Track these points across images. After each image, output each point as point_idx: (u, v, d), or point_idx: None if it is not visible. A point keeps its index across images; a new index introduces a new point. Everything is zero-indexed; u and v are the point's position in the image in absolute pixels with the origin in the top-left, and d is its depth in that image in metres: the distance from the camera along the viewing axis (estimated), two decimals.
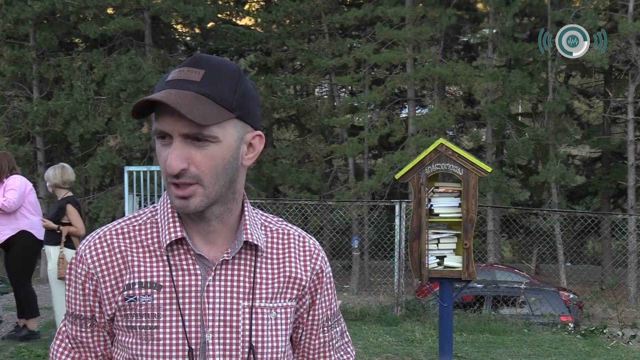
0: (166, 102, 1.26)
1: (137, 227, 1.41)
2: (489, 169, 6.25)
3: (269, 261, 1.43)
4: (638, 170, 20.34)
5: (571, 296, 13.14)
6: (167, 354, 1.33)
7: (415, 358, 6.79)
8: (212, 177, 1.32)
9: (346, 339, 1.59)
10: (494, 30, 21.17)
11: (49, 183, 6.64)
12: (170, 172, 1.29)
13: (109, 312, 1.38)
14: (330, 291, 1.52)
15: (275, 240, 1.45)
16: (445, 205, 6.15)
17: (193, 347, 1.34)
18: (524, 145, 20.53)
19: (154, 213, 1.43)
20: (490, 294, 11.44)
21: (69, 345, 1.44)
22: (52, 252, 6.52)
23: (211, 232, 1.38)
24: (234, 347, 1.36)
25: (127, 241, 1.39)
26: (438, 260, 6.16)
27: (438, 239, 6.16)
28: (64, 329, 1.46)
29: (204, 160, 1.31)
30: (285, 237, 1.47)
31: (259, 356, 1.37)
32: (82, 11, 20.29)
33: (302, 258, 1.46)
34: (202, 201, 1.32)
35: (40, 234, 6.64)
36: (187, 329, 1.34)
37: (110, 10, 21.41)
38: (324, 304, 1.50)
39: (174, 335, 1.34)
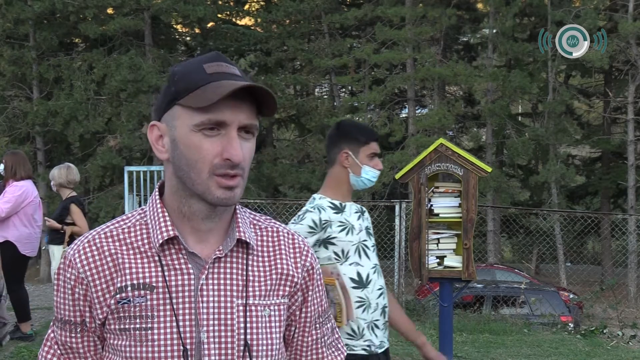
0: (267, 89, 1.28)
1: (126, 230, 1.39)
2: (489, 169, 6.23)
3: (260, 259, 1.42)
4: (638, 170, 20.33)
5: (571, 296, 13.14)
6: (162, 354, 1.32)
7: (415, 358, 6.78)
8: (248, 170, 1.34)
9: (336, 335, 1.59)
10: (494, 30, 21.16)
11: (54, 182, 6.63)
12: (237, 160, 1.29)
13: (100, 317, 1.36)
14: (320, 287, 1.51)
15: (265, 237, 1.45)
16: (445, 205, 6.14)
17: (188, 347, 1.32)
18: (524, 145, 20.52)
19: (142, 215, 1.41)
20: (490, 294, 11.44)
21: (58, 351, 1.42)
22: (55, 252, 6.51)
23: (209, 230, 1.37)
24: (229, 345, 1.35)
25: (117, 244, 1.37)
26: (438, 260, 6.15)
27: (438, 239, 6.15)
28: (52, 335, 1.43)
29: (248, 153, 1.33)
30: (275, 234, 1.46)
31: (254, 354, 1.36)
32: (82, 11, 20.27)
33: (292, 255, 1.45)
34: (241, 193, 1.34)
35: (24, 248, 6.47)
36: (181, 329, 1.33)
37: (110, 10, 21.40)
38: (315, 301, 1.50)
39: (168, 336, 1.32)
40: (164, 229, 1.35)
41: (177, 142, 1.33)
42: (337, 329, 1.60)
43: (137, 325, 1.33)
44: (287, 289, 1.43)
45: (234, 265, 1.38)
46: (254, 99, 1.32)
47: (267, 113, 1.33)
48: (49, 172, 7.22)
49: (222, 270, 1.37)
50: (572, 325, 9.22)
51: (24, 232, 6.48)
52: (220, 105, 1.28)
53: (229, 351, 1.35)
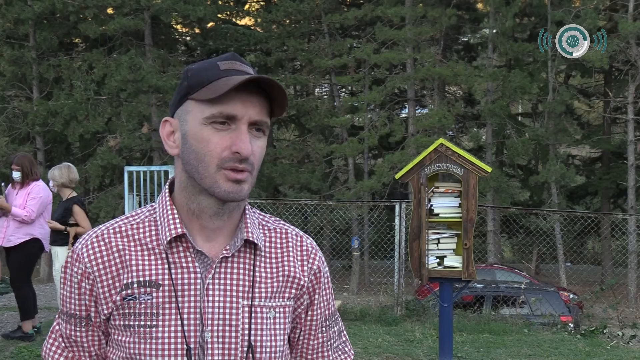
0: (276, 83, 1.29)
1: (135, 226, 1.39)
2: (489, 169, 6.24)
3: (268, 260, 1.42)
4: (638, 170, 20.33)
5: (571, 296, 13.14)
6: (166, 352, 1.32)
7: (415, 358, 6.78)
8: (257, 169, 1.35)
9: (344, 338, 1.58)
10: (494, 30, 21.16)
11: (55, 183, 6.66)
12: (245, 154, 1.29)
13: (105, 312, 1.36)
14: (328, 291, 1.51)
15: (273, 239, 1.45)
16: (445, 205, 6.15)
17: (192, 346, 1.33)
18: (524, 145, 20.53)
19: (152, 212, 1.41)
20: (490, 294, 11.44)
21: (63, 344, 1.43)
22: (59, 253, 6.53)
23: (218, 228, 1.37)
24: (232, 345, 1.35)
25: (125, 240, 1.37)
26: (438, 260, 6.15)
27: (438, 239, 6.16)
28: (57, 327, 1.44)
29: (258, 150, 1.34)
30: (283, 236, 1.46)
31: (258, 355, 1.36)
32: (82, 11, 20.28)
33: (299, 258, 1.45)
34: (249, 189, 1.34)
35: (47, 245, 6.77)
36: (185, 328, 1.33)
37: (110, 10, 21.40)
38: (322, 304, 1.49)
39: (172, 334, 1.33)
40: (172, 227, 1.35)
41: (187, 136, 1.34)
42: (345, 332, 1.60)
43: (142, 323, 1.33)
44: (293, 291, 1.43)
45: (241, 265, 1.38)
46: (266, 97, 1.33)
47: (278, 112, 1.34)
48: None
49: (228, 270, 1.37)
50: (572, 325, 9.23)
51: (48, 229, 6.69)
52: (231, 98, 1.29)
53: (233, 352, 1.35)
